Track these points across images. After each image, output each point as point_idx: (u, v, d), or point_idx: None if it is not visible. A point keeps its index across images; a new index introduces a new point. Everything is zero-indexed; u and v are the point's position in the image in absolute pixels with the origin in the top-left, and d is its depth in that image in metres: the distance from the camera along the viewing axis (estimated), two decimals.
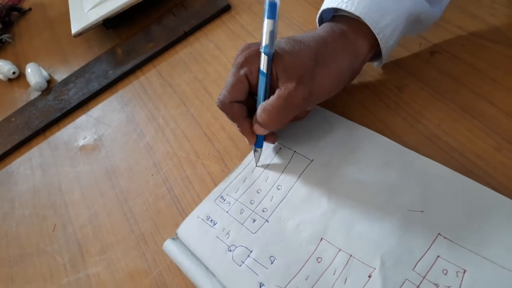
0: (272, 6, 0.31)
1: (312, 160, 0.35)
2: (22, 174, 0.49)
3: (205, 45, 0.51)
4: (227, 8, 0.53)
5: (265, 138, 0.36)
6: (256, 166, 0.37)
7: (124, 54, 0.55)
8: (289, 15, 0.48)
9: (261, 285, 0.30)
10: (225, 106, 0.33)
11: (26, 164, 0.50)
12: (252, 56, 0.33)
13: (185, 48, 0.52)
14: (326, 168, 0.34)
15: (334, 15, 0.35)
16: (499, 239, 0.26)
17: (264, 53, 0.32)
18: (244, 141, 0.40)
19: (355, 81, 0.39)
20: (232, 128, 0.41)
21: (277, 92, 0.31)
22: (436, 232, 0.28)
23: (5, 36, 0.71)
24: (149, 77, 0.52)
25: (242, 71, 0.33)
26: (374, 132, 0.34)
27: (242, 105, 0.34)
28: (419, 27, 0.36)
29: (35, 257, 0.41)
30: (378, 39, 0.32)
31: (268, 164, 0.36)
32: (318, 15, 0.36)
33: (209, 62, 0.49)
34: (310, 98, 0.32)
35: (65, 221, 0.43)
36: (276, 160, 0.36)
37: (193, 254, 0.33)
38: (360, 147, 0.34)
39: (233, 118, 0.34)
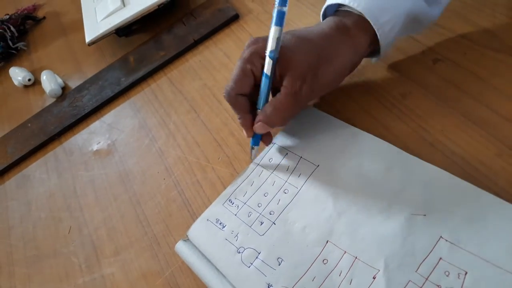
0: (280, 14, 0.33)
1: (318, 165, 0.36)
2: (38, 178, 0.51)
3: (214, 53, 0.53)
4: (235, 17, 0.55)
5: (261, 138, 0.38)
6: (252, 162, 0.39)
7: (136, 62, 0.57)
8: (293, 23, 0.50)
9: (269, 285, 0.31)
10: (231, 98, 0.35)
11: (42, 168, 0.52)
12: (258, 52, 0.34)
13: (195, 56, 0.54)
14: (331, 173, 0.35)
15: (338, 9, 0.37)
16: (499, 242, 0.27)
17: (270, 57, 0.33)
18: None
19: (360, 88, 0.40)
20: (241, 133, 0.43)
21: (283, 90, 0.34)
22: (438, 235, 0.28)
23: (20, 44, 0.73)
24: (160, 84, 0.53)
25: (248, 66, 0.34)
26: (378, 138, 0.35)
27: (246, 98, 0.36)
28: (417, 26, 0.37)
29: (51, 258, 0.43)
30: (378, 35, 0.34)
31: (274, 165, 0.38)
32: (322, 9, 0.38)
33: (218, 69, 0.51)
34: (313, 93, 0.34)
35: (80, 224, 0.44)
36: (282, 165, 0.38)
37: (203, 256, 0.35)
38: (364, 153, 0.35)
39: (237, 110, 0.36)
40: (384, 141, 0.35)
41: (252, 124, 0.36)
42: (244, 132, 0.37)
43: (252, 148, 0.38)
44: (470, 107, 0.35)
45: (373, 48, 0.37)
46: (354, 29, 0.35)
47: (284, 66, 0.33)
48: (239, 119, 0.36)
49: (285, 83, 0.33)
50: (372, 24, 0.34)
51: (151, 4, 0.56)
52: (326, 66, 0.34)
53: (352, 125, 0.37)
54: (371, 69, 0.41)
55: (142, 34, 0.62)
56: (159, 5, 0.56)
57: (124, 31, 0.60)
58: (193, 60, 0.54)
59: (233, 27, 0.54)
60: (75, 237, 0.43)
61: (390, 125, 0.37)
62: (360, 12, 0.34)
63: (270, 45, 0.33)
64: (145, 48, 0.58)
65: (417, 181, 0.31)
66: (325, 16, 0.38)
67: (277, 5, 0.33)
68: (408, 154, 0.33)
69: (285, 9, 0.33)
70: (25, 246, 0.46)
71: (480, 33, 0.39)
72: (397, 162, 0.33)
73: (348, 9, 0.35)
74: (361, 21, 0.34)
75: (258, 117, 0.35)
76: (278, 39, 0.33)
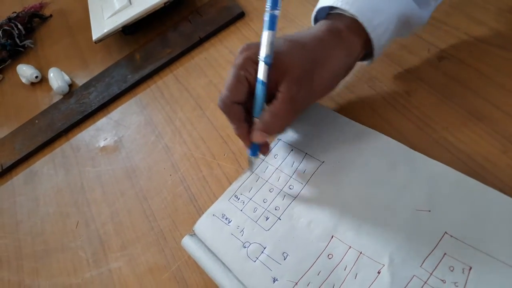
0: (272, 17, 0.32)
1: (323, 161, 0.36)
2: (46, 174, 0.52)
3: (220, 51, 0.53)
4: (241, 15, 0.55)
5: (260, 148, 0.36)
6: (252, 172, 0.38)
7: (142, 60, 0.57)
8: (299, 21, 0.50)
9: (274, 280, 0.32)
10: (226, 107, 0.34)
11: (49, 164, 0.53)
12: (252, 58, 0.33)
13: (201, 54, 0.54)
14: (336, 169, 0.35)
15: (330, 13, 0.36)
16: (503, 237, 0.27)
17: (264, 63, 0.32)
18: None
19: (365, 86, 0.40)
20: None
21: (280, 95, 0.33)
22: (443, 231, 0.29)
23: (27, 42, 0.74)
24: (166, 81, 0.54)
25: (242, 72, 0.33)
26: (383, 135, 0.35)
27: (241, 107, 0.34)
28: (407, 30, 0.37)
29: (59, 253, 0.44)
30: (371, 38, 0.34)
31: (279, 161, 0.38)
32: (313, 13, 0.37)
33: (223, 67, 0.51)
34: (310, 98, 0.34)
35: (87, 219, 0.45)
36: (288, 161, 0.38)
37: (209, 250, 0.35)
38: (370, 149, 0.35)
39: (232, 119, 0.35)
40: (389, 138, 0.35)
41: (249, 133, 0.35)
42: (243, 142, 0.36)
43: (251, 160, 0.37)
44: (475, 104, 0.35)
45: (366, 51, 0.36)
46: (346, 32, 0.34)
47: (279, 71, 0.32)
48: (235, 129, 0.35)
49: (281, 88, 0.33)
50: (365, 27, 0.33)
51: (157, 2, 0.56)
52: (321, 69, 0.33)
53: (357, 122, 0.37)
54: (376, 67, 0.41)
55: (148, 32, 0.62)
56: (165, 3, 0.57)
57: (130, 28, 0.61)
58: (199, 57, 0.54)
59: (239, 25, 0.55)
60: (82, 232, 0.44)
61: (395, 122, 0.37)
62: (352, 15, 0.33)
63: (264, 50, 0.32)
64: (151, 46, 0.59)
65: (422, 177, 0.32)
66: (316, 20, 0.38)
67: (269, 8, 0.32)
68: (413, 151, 0.33)
69: (277, 12, 0.32)
70: (33, 241, 0.46)
71: (485, 30, 0.39)
72: (402, 158, 0.33)
73: (340, 12, 0.34)
74: (353, 24, 0.34)
75: (256, 125, 0.34)
76: (271, 44, 0.32)
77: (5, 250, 0.47)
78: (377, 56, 0.36)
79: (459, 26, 0.40)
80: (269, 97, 0.34)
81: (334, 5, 0.34)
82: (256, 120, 0.34)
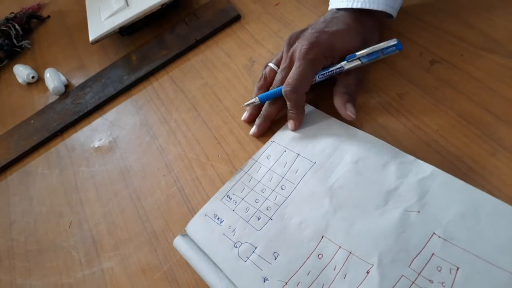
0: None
1: (315, 162, 0.37)
2: (40, 174, 0.52)
3: (215, 53, 0.54)
4: (237, 18, 0.56)
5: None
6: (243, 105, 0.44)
7: (139, 61, 0.58)
8: (294, 24, 0.50)
9: (265, 279, 0.32)
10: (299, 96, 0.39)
11: (44, 164, 0.53)
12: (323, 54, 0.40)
13: (197, 56, 0.55)
14: (328, 170, 0.36)
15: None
16: (491, 238, 0.27)
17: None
18: (251, 144, 0.42)
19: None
20: (240, 132, 0.43)
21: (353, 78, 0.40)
22: (431, 231, 0.29)
23: (24, 42, 0.74)
24: (162, 82, 0.54)
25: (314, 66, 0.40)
26: (375, 137, 0.36)
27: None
28: None
29: (51, 252, 0.44)
30: (394, 16, 0.41)
31: (272, 162, 0.38)
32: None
33: (219, 69, 0.51)
34: (316, 48, 0.38)
35: (80, 218, 0.45)
36: (280, 162, 0.38)
37: (201, 250, 0.35)
38: (361, 151, 0.35)
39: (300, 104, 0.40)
40: (381, 140, 0.35)
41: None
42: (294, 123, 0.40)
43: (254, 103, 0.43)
44: (466, 107, 0.36)
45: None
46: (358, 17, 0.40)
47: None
48: (298, 113, 0.39)
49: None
50: (393, 16, 0.41)
51: (154, 4, 0.57)
52: (327, 30, 0.40)
53: (349, 124, 0.38)
54: (368, 69, 0.42)
55: (145, 33, 0.63)
56: (162, 5, 0.57)
57: (127, 30, 0.61)
58: (195, 59, 0.54)
59: (235, 27, 0.55)
60: (75, 232, 0.44)
61: (387, 124, 0.37)
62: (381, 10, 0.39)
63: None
64: (148, 47, 0.59)
65: (412, 178, 0.32)
66: None
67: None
68: (404, 153, 0.34)
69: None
70: (26, 240, 0.46)
71: (477, 35, 0.40)
72: (392, 160, 0.34)
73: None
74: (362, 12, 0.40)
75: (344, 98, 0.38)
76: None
77: None
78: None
79: (451, 30, 0.41)
80: None
81: (363, 7, 0.39)
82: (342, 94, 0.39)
